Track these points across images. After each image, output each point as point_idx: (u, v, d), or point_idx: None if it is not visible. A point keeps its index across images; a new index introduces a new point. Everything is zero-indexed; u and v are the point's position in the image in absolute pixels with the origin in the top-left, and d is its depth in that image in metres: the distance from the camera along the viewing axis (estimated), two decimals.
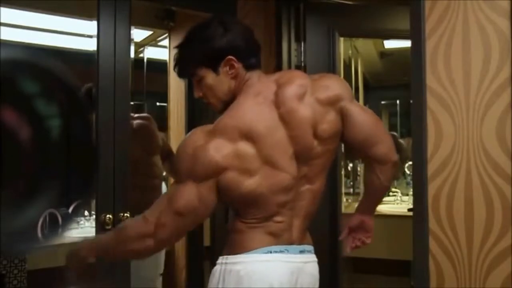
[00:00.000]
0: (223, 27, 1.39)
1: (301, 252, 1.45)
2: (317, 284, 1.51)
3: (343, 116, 1.42)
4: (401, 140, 4.74)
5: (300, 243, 1.45)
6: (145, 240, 1.34)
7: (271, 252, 1.38)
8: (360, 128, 1.44)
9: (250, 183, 1.32)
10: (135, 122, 2.86)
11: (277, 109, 1.36)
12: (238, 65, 1.39)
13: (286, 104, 1.36)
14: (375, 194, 1.61)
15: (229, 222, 1.46)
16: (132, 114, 2.96)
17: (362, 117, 1.45)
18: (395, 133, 4.85)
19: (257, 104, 1.36)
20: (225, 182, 1.31)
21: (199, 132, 1.34)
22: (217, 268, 1.41)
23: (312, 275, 1.48)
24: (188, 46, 1.43)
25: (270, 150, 1.33)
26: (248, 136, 1.31)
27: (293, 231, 1.43)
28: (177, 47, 1.46)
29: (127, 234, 1.36)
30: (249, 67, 1.41)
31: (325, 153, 1.42)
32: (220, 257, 1.42)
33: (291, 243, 1.42)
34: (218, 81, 1.40)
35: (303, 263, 1.44)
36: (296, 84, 1.39)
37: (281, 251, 1.39)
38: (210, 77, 1.40)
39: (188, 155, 1.31)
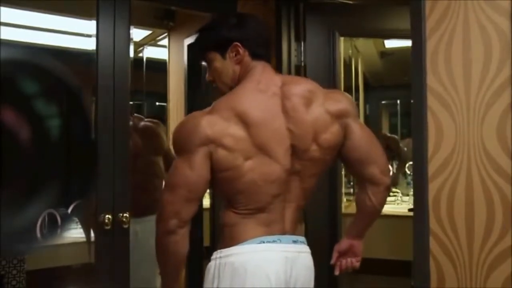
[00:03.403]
0: (237, 19, 1.50)
1: (294, 242, 1.46)
2: (312, 276, 1.51)
3: (345, 131, 1.46)
4: (400, 144, 4.75)
5: (292, 234, 1.47)
6: (157, 226, 1.40)
7: (264, 242, 1.40)
8: (358, 146, 1.48)
9: (245, 165, 1.35)
10: (143, 123, 2.88)
11: (281, 100, 1.40)
12: (243, 52, 1.45)
13: (291, 98, 1.41)
14: (366, 216, 1.62)
15: (221, 216, 1.48)
16: (142, 116, 2.98)
17: (362, 136, 1.49)
18: (396, 136, 4.84)
19: (257, 90, 1.41)
20: (217, 158, 1.34)
21: (195, 113, 1.41)
22: (211, 263, 1.43)
23: (307, 266, 1.49)
24: (203, 31, 1.55)
25: (265, 137, 1.36)
26: (242, 118, 1.35)
27: (285, 221, 1.45)
28: (197, 32, 1.58)
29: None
30: (255, 56, 1.46)
31: (318, 160, 1.45)
32: (214, 252, 1.43)
33: (283, 233, 1.44)
34: (224, 65, 1.47)
35: (297, 252, 1.45)
36: (304, 86, 1.46)
37: (274, 241, 1.41)
38: (218, 61, 1.48)
39: (182, 132, 1.39)
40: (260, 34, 1.49)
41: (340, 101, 1.48)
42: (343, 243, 1.65)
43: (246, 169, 1.35)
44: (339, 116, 1.45)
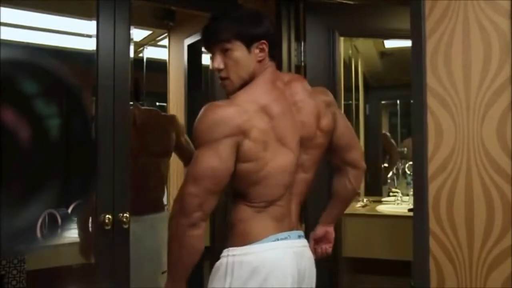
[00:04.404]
0: (261, 17, 1.50)
1: (299, 237, 1.52)
2: (314, 267, 1.56)
3: (333, 119, 1.58)
4: (392, 140, 4.77)
5: (297, 229, 1.52)
6: (175, 220, 1.38)
7: (278, 240, 1.43)
8: (344, 133, 1.62)
9: (266, 156, 1.38)
10: (162, 114, 2.81)
11: (290, 97, 1.47)
12: (267, 51, 1.47)
13: (299, 93, 1.49)
14: (344, 201, 1.75)
15: (233, 212, 1.48)
16: (153, 108, 2.91)
17: (345, 124, 1.64)
18: (387, 133, 4.86)
19: (274, 87, 1.45)
20: (243, 150, 1.35)
21: (218, 103, 1.40)
22: (222, 261, 1.42)
23: (311, 259, 1.55)
24: (234, 16, 1.48)
25: (284, 129, 1.41)
26: (266, 110, 1.39)
27: (292, 216, 1.49)
28: (220, 14, 1.50)
29: (169, 230, 1.42)
30: (271, 57, 1.50)
31: (321, 146, 1.54)
32: (225, 250, 1.43)
33: (291, 229, 1.48)
34: (246, 58, 1.45)
35: (302, 247, 1.51)
36: (303, 83, 1.55)
37: (285, 238, 1.45)
38: (241, 52, 1.44)
39: (210, 121, 1.35)
40: (276, 35, 1.55)
41: (327, 94, 1.60)
42: (319, 231, 1.75)
43: (267, 160, 1.38)
44: (328, 105, 1.56)
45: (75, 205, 0.74)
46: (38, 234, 0.70)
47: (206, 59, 3.07)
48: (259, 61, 1.45)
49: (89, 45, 2.22)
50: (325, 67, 2.71)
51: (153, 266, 2.81)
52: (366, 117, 4.68)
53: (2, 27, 2.49)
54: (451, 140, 1.88)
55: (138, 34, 3.43)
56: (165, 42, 3.55)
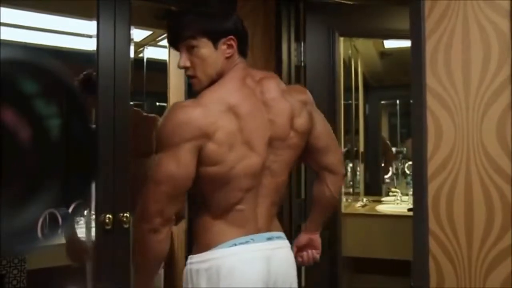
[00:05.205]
0: (228, 10, 1.45)
1: (269, 239, 1.45)
2: (294, 271, 1.51)
3: (310, 119, 1.51)
4: (387, 142, 4.79)
5: (267, 231, 1.45)
6: (137, 224, 1.35)
7: (235, 245, 1.38)
8: (322, 134, 1.54)
9: (231, 159, 1.33)
10: (145, 115, 2.81)
11: (261, 95, 1.41)
12: (235, 47, 1.41)
13: (270, 91, 1.43)
14: (325, 208, 1.67)
15: (194, 220, 1.46)
16: (138, 109, 2.92)
17: (324, 125, 1.56)
18: (383, 135, 4.88)
19: (243, 85, 1.40)
20: (206, 153, 1.30)
21: (183, 104, 1.37)
22: (185, 269, 1.42)
23: (286, 260, 1.48)
24: (199, 12, 1.41)
25: (250, 130, 1.35)
26: (234, 110, 1.34)
27: (258, 219, 1.43)
28: (181, 10, 1.46)
29: (134, 234, 1.41)
30: (241, 53, 1.44)
31: (295, 147, 1.47)
32: (189, 257, 1.42)
33: (257, 232, 1.42)
34: (213, 55, 1.39)
35: (271, 250, 1.44)
36: (276, 80, 1.49)
37: (246, 242, 1.39)
38: (207, 49, 1.38)
39: (172, 123, 1.31)
40: (246, 31, 1.47)
41: (304, 92, 1.54)
42: (302, 238, 1.69)
43: (232, 164, 1.33)
44: (305, 104, 1.50)
45: (76, 204, 0.75)
46: (39, 233, 0.70)
47: None
48: (227, 58, 1.39)
49: (89, 45, 2.22)
50: (325, 67, 2.71)
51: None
52: (366, 117, 4.68)
53: (2, 27, 2.49)
54: (450, 140, 1.88)
55: (138, 34, 3.43)
56: (165, 42, 3.54)
